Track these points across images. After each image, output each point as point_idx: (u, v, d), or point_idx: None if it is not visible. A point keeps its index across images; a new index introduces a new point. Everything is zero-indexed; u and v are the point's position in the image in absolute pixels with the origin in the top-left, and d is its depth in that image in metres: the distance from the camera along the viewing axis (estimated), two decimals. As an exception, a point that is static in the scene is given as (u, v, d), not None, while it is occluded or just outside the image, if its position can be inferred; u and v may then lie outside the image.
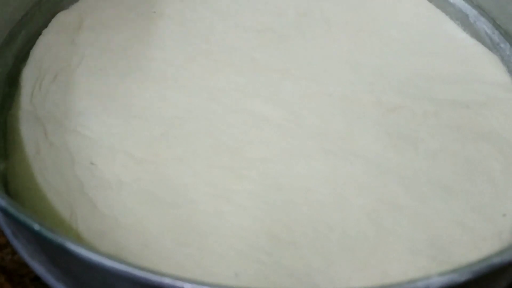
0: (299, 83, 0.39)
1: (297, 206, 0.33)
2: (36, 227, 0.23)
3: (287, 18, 0.44)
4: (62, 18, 0.43)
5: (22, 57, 0.40)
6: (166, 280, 0.22)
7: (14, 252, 0.33)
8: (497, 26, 0.44)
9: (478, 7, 0.45)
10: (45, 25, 0.42)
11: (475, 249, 0.32)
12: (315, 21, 0.44)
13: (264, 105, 0.38)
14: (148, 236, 0.31)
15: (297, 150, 0.36)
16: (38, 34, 0.42)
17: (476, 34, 0.44)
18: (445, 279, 0.23)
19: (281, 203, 0.33)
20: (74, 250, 0.23)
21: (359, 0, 0.46)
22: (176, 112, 0.37)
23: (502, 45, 0.44)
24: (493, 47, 0.44)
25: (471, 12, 0.45)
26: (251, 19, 0.43)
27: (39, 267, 0.30)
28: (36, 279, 0.32)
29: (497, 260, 0.24)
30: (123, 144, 0.35)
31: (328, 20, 0.44)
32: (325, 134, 0.36)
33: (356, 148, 0.36)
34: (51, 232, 0.23)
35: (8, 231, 0.30)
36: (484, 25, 0.45)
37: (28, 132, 0.35)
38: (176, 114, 0.37)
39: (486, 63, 0.42)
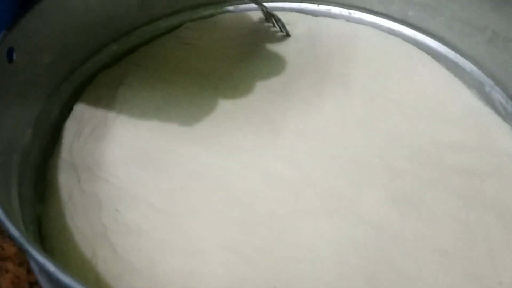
0: (312, 144, 0.42)
1: (299, 262, 0.35)
2: (52, 268, 0.26)
3: (306, 79, 0.47)
4: (105, 75, 0.47)
5: (67, 110, 0.45)
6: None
7: (41, 289, 0.36)
8: (510, 96, 0.45)
9: (492, 77, 0.46)
10: (89, 81, 0.47)
11: (472, 317, 0.33)
12: (334, 84, 0.47)
13: (277, 163, 0.40)
14: (157, 281, 0.34)
15: (304, 209, 0.38)
16: (82, 89, 0.46)
17: (491, 103, 0.46)
18: None
19: (284, 258, 0.35)
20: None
21: (378, 66, 0.48)
22: (196, 166, 0.40)
23: (515, 115, 0.44)
24: (506, 116, 0.45)
25: (487, 81, 0.46)
26: (272, 79, 0.46)
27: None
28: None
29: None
30: (146, 194, 0.39)
31: (347, 84, 0.47)
32: (332, 195, 0.38)
33: (360, 210, 0.38)
34: (63, 274, 0.26)
35: (36, 269, 0.34)
36: (498, 95, 0.46)
37: (64, 178, 0.39)
38: (195, 169, 0.40)
39: (499, 132, 0.43)
